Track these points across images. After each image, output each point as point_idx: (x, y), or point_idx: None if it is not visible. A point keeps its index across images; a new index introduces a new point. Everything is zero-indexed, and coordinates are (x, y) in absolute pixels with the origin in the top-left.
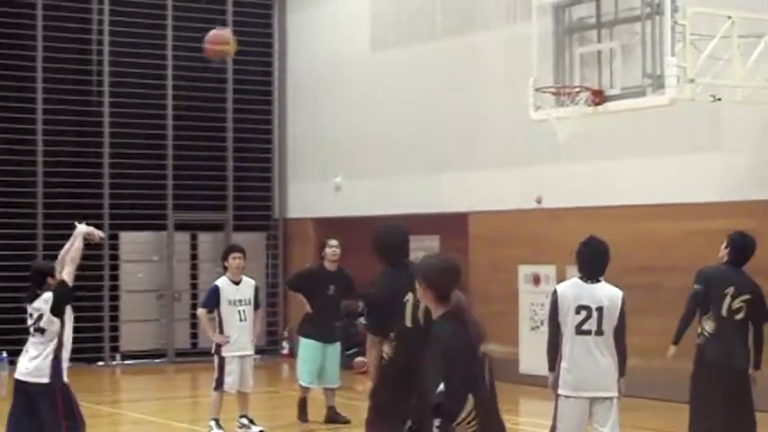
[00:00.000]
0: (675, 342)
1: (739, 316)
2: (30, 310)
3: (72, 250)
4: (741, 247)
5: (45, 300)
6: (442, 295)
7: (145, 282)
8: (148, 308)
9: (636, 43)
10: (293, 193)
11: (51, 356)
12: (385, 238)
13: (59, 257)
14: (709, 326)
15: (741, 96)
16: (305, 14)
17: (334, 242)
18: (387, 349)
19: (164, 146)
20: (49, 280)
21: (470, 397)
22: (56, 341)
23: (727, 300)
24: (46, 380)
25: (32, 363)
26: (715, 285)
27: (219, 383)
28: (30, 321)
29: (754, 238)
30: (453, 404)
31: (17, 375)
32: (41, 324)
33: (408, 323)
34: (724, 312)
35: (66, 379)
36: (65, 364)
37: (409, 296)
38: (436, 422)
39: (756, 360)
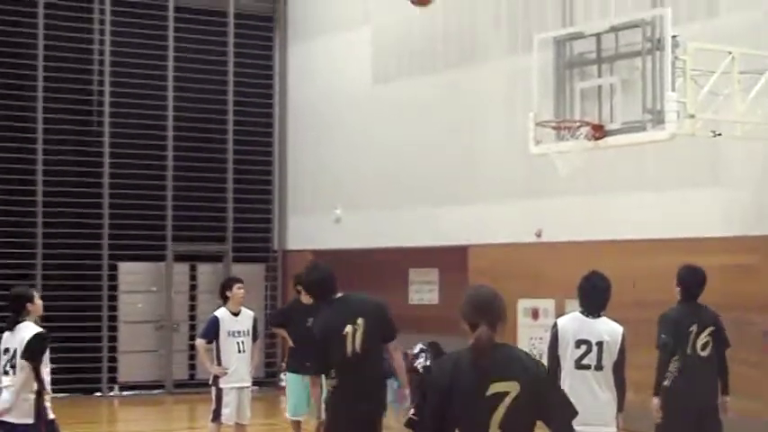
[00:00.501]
0: (656, 394)
1: (705, 352)
2: (5, 343)
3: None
4: (692, 282)
5: (22, 339)
6: (469, 325)
7: (143, 312)
8: (147, 339)
9: (636, 78)
10: (293, 224)
11: (34, 398)
12: (307, 276)
13: (22, 377)
14: (674, 366)
15: (741, 132)
16: (306, 46)
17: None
18: (329, 385)
19: (164, 176)
20: (29, 306)
21: None
22: (33, 382)
23: (692, 337)
24: (30, 419)
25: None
26: (680, 327)
27: (217, 415)
28: (4, 359)
29: (702, 268)
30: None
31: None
32: (16, 361)
33: (349, 354)
34: (689, 351)
35: (52, 415)
36: (48, 403)
37: (348, 328)
38: None
39: (724, 386)
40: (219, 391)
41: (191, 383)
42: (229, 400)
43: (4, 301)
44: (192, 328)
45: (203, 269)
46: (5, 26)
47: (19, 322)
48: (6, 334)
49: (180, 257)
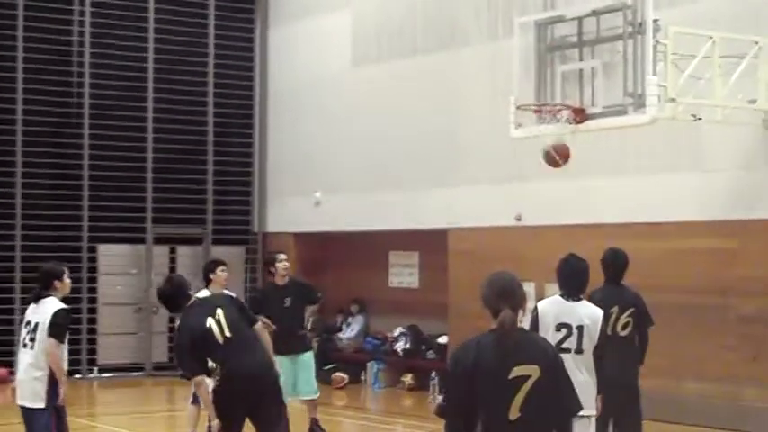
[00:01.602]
0: None
1: (624, 332)
2: (28, 316)
3: (58, 374)
4: (614, 264)
5: (45, 313)
6: (491, 311)
7: (123, 295)
8: (126, 321)
9: (617, 62)
10: (273, 207)
11: (47, 379)
12: (161, 290)
13: (56, 362)
14: None
15: (722, 116)
16: (286, 30)
17: (282, 256)
18: (216, 376)
19: (143, 158)
20: (56, 283)
21: (482, 418)
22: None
23: (613, 318)
24: (41, 404)
25: (26, 384)
26: (603, 308)
27: (196, 397)
28: (24, 331)
29: (624, 251)
30: (449, 420)
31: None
32: (36, 336)
33: (220, 340)
34: (609, 331)
35: (62, 402)
36: (62, 388)
37: (209, 321)
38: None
39: (641, 357)
40: None
41: (170, 366)
42: (208, 383)
43: None
44: None
45: (183, 251)
46: None
47: (43, 297)
48: (31, 307)
49: (159, 240)
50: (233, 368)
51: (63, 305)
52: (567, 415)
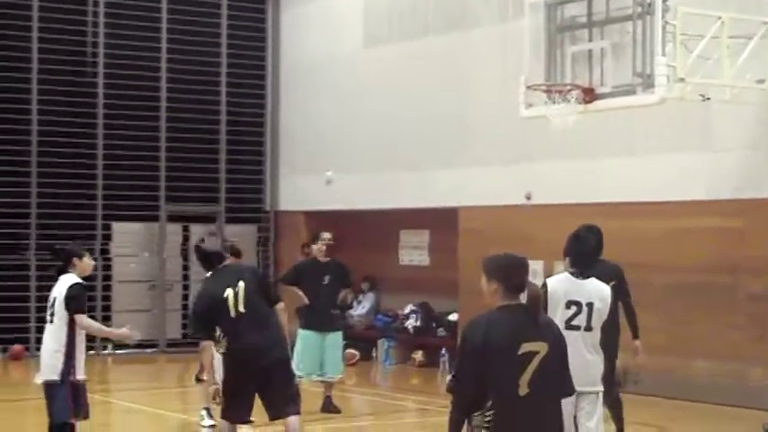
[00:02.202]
0: None
1: None
2: (52, 292)
3: (102, 333)
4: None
5: (61, 289)
6: (510, 288)
7: (137, 272)
8: (140, 298)
9: (627, 42)
10: (285, 186)
11: (64, 350)
12: (200, 249)
13: (89, 325)
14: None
15: (730, 96)
16: (298, 11)
17: (327, 235)
18: (220, 347)
19: (157, 137)
20: (75, 260)
21: (492, 394)
22: (66, 333)
23: None
24: (57, 377)
25: (46, 358)
26: None
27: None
28: (48, 305)
29: (598, 227)
30: (459, 396)
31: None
32: (54, 310)
33: (232, 314)
34: None
35: (80, 376)
36: (78, 363)
37: (228, 291)
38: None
39: (634, 331)
40: None
41: (183, 342)
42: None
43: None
44: (185, 287)
45: (196, 230)
46: None
47: (62, 274)
48: (56, 283)
49: (173, 218)
50: (240, 343)
51: (78, 279)
52: (562, 396)
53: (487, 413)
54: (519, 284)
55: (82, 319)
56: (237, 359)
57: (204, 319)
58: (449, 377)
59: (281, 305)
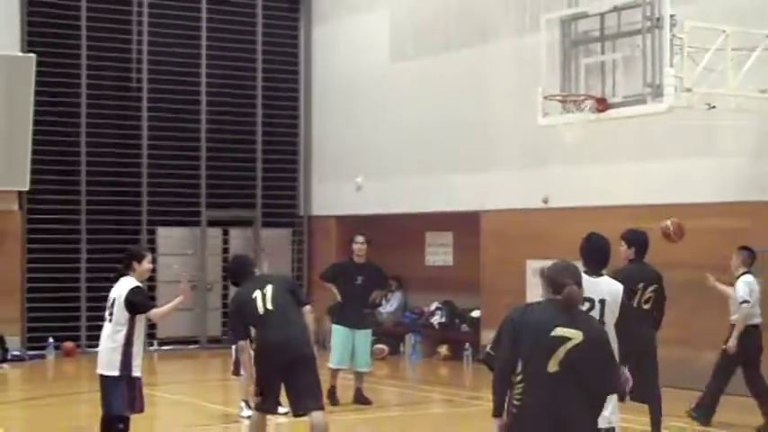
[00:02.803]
0: None
1: (647, 306)
2: (111, 293)
3: (171, 310)
4: (642, 243)
5: (121, 291)
6: (554, 288)
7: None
8: (178, 297)
9: (637, 55)
10: (317, 192)
11: (121, 350)
12: (230, 266)
13: (159, 313)
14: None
15: (734, 104)
16: (329, 28)
17: (360, 238)
18: (252, 345)
19: (198, 148)
20: (134, 264)
21: (521, 369)
22: (125, 333)
23: (639, 294)
24: (116, 372)
25: (104, 355)
26: (630, 284)
27: (237, 368)
28: (107, 305)
29: (645, 231)
30: (495, 365)
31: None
32: (114, 310)
33: (260, 311)
34: (635, 304)
35: (136, 373)
36: (135, 360)
37: (257, 293)
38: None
39: (657, 326)
40: None
41: (223, 339)
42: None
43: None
44: (225, 287)
45: (234, 233)
46: (55, 7)
47: (122, 276)
48: (116, 284)
49: (213, 222)
50: (268, 338)
51: (136, 283)
52: (602, 392)
53: (518, 386)
54: (559, 285)
55: (153, 313)
56: (264, 353)
57: (237, 319)
58: (486, 348)
59: (308, 307)
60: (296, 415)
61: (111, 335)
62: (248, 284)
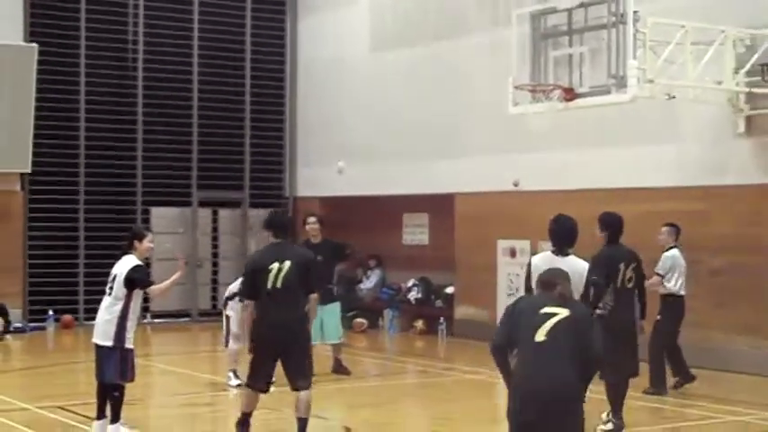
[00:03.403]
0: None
1: (630, 284)
2: (113, 269)
3: (170, 286)
4: (616, 224)
5: (122, 268)
6: (547, 288)
7: (172, 251)
8: (175, 274)
9: (602, 48)
10: (302, 174)
11: (116, 322)
12: (275, 217)
13: (157, 289)
14: (608, 298)
15: (693, 95)
16: (313, 20)
17: (312, 219)
18: (256, 309)
19: (190, 133)
20: (136, 243)
21: (517, 347)
22: (121, 307)
23: (620, 274)
24: (110, 343)
25: (100, 326)
26: (611, 266)
27: (227, 341)
28: (108, 279)
29: (619, 213)
30: (493, 342)
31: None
32: (114, 285)
33: (269, 286)
34: (619, 284)
35: (129, 345)
36: (129, 333)
37: (274, 265)
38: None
39: (643, 312)
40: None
41: (213, 313)
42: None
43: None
44: (215, 264)
45: (224, 213)
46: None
47: (125, 254)
48: (118, 261)
49: (204, 203)
50: (269, 316)
51: (137, 262)
52: (588, 357)
53: (514, 361)
54: (552, 284)
55: (152, 289)
56: (262, 332)
57: (248, 280)
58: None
59: (314, 296)
60: (293, 390)
61: (109, 308)
62: (271, 250)
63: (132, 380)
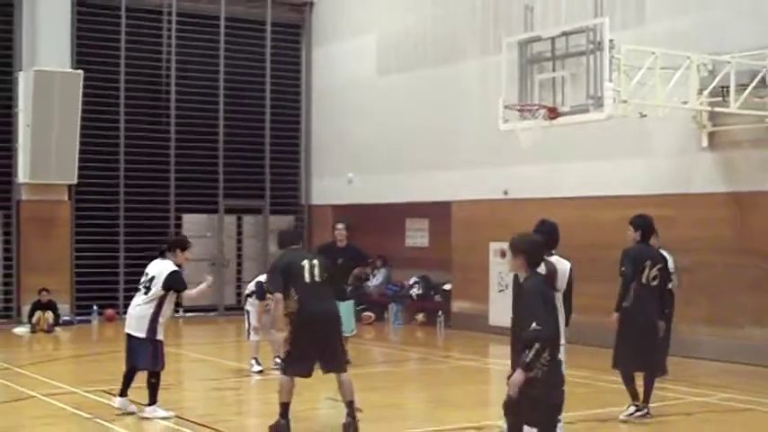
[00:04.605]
0: (617, 310)
1: (655, 282)
2: (147, 269)
3: (200, 293)
4: (647, 226)
5: (161, 270)
6: (532, 262)
7: (201, 253)
8: (204, 273)
9: (582, 72)
10: (316, 185)
11: (150, 317)
12: (283, 233)
13: (191, 293)
14: (631, 292)
15: (662, 114)
16: (326, 48)
17: (340, 225)
18: (292, 303)
19: (216, 148)
20: (178, 251)
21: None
22: (156, 305)
23: (646, 271)
24: (143, 335)
25: (134, 319)
26: (638, 262)
27: (248, 333)
28: (143, 278)
29: (651, 216)
30: (549, 332)
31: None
32: (151, 285)
33: (307, 280)
34: (644, 281)
35: (160, 337)
36: (160, 327)
37: (305, 262)
38: (533, 349)
39: (661, 313)
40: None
41: (238, 308)
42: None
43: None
44: (239, 264)
45: (247, 219)
46: (98, 31)
47: (164, 256)
48: (154, 261)
49: (229, 210)
50: (309, 308)
51: (175, 267)
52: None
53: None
54: (538, 261)
55: (186, 294)
56: (306, 322)
57: (280, 274)
58: (531, 330)
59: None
60: (325, 372)
61: (144, 305)
62: (296, 252)
63: (163, 368)
